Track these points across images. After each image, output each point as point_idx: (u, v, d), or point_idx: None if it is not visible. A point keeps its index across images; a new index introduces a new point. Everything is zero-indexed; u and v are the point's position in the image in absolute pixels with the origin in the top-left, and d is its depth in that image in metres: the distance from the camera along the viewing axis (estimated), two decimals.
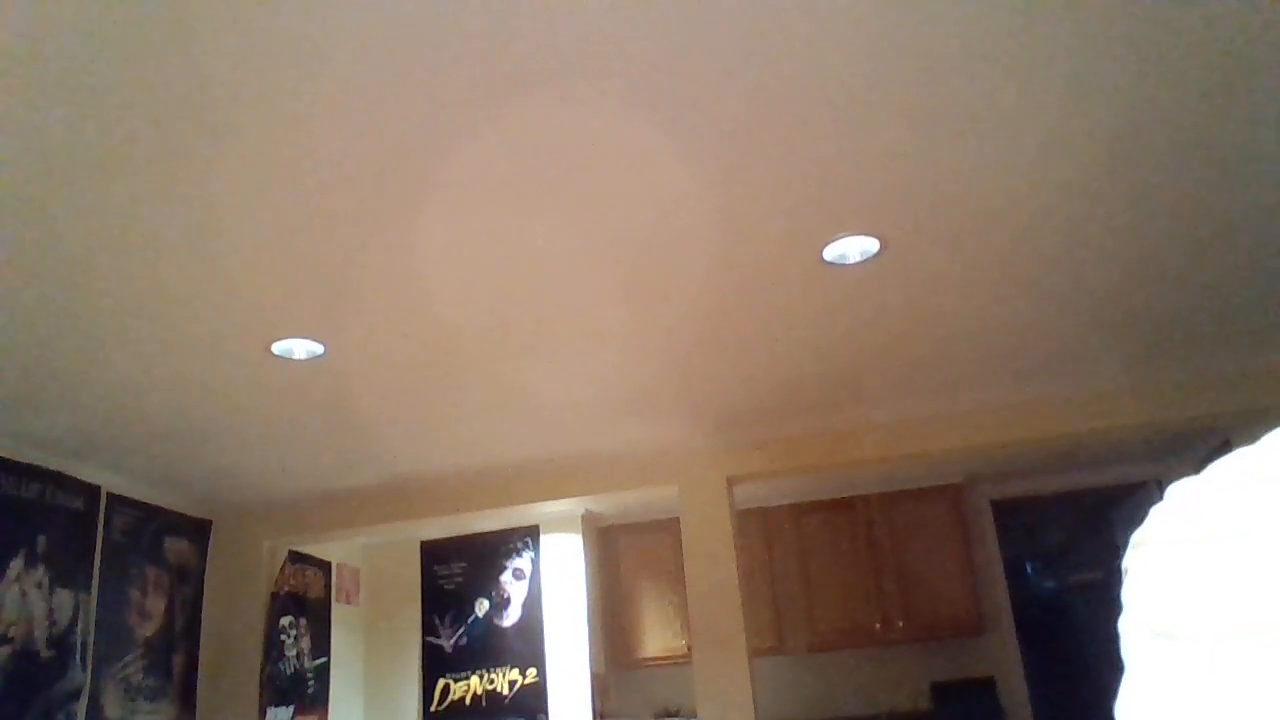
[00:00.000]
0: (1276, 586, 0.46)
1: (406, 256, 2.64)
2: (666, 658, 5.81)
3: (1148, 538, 0.53)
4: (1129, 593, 0.53)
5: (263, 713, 4.82)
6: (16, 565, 3.74)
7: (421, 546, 6.01)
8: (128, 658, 4.32)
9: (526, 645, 5.63)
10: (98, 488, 4.24)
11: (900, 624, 5.67)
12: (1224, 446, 5.25)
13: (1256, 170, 2.54)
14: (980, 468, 5.79)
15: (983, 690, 5.63)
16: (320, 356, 3.24)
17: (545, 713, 5.49)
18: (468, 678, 5.70)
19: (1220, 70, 2.10)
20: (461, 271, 2.76)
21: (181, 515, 4.83)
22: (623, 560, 6.05)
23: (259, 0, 1.69)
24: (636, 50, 1.90)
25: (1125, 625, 0.53)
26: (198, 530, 4.96)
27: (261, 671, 4.87)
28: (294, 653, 5.20)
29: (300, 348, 3.16)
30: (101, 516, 4.25)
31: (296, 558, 5.36)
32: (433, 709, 5.71)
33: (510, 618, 5.72)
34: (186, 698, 4.70)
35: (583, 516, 5.78)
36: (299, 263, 2.61)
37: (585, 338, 3.31)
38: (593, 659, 5.56)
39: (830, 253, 2.81)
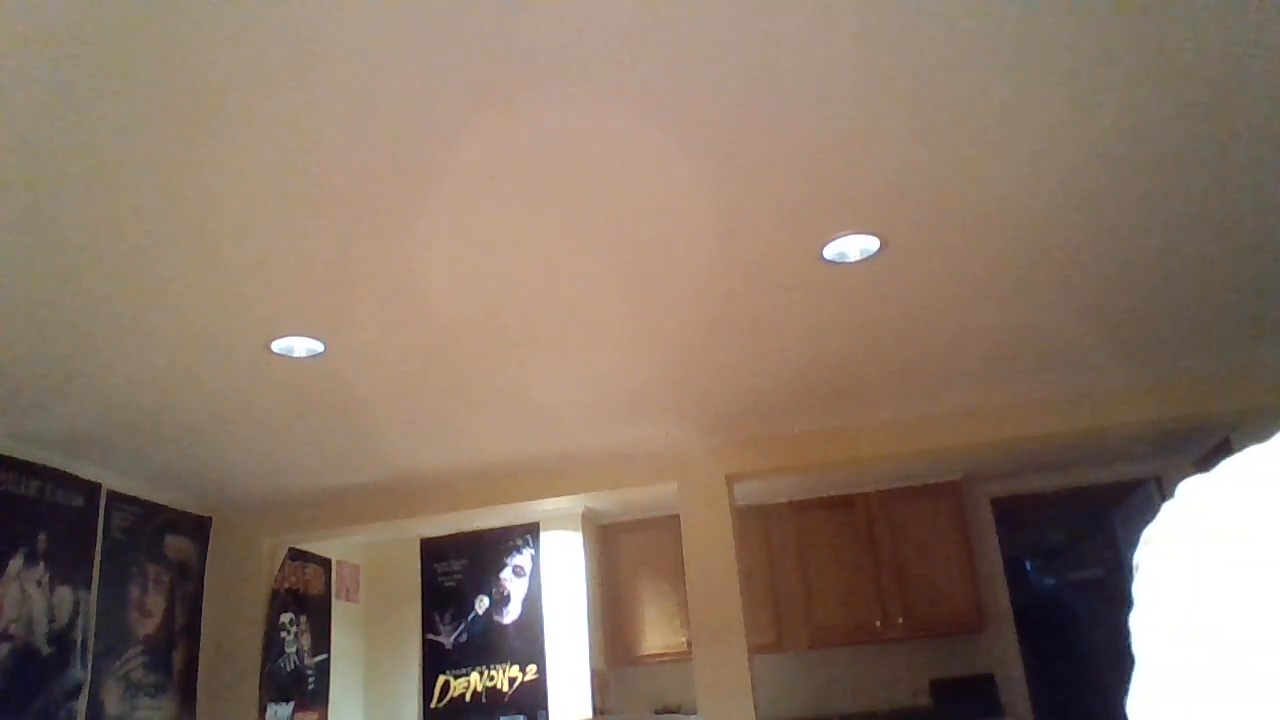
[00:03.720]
0: (1263, 587, 0.46)
1: (406, 255, 2.64)
2: (667, 654, 5.82)
3: (1160, 534, 0.53)
4: (1141, 588, 0.53)
5: (263, 710, 4.83)
6: (17, 562, 3.74)
7: (421, 544, 6.02)
8: (128, 654, 4.32)
9: (527, 642, 5.64)
10: (98, 485, 4.25)
11: (900, 621, 5.67)
12: (1224, 445, 5.25)
13: (1257, 170, 2.54)
14: (980, 465, 5.79)
15: (982, 687, 5.64)
16: (320, 354, 3.24)
17: (545, 709, 5.49)
18: (468, 674, 5.70)
19: (1221, 70, 2.10)
20: (461, 270, 2.76)
21: (181, 513, 4.83)
22: (622, 557, 6.06)
23: (259, 1, 1.68)
24: (636, 49, 1.89)
25: (1137, 621, 0.52)
26: (198, 527, 4.96)
27: (261, 668, 4.87)
28: (294, 650, 5.21)
29: (300, 345, 3.16)
30: (102, 514, 4.25)
31: (296, 555, 5.36)
32: (433, 706, 5.72)
33: (510, 615, 5.73)
34: (187, 694, 4.70)
35: (582, 514, 5.79)
36: (299, 261, 2.61)
37: (585, 336, 3.31)
38: (593, 655, 5.56)
39: (830, 251, 2.81)
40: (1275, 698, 0.43)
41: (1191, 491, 0.53)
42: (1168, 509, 0.54)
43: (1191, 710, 0.46)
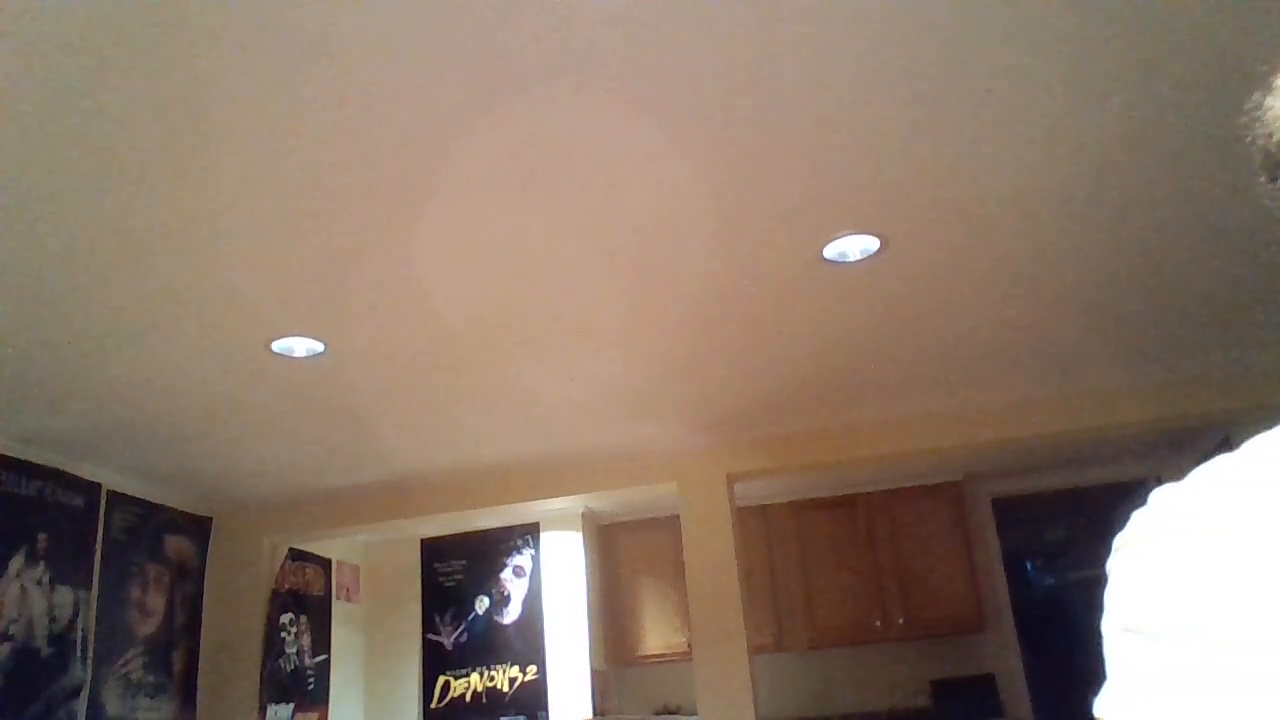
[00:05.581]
0: (1245, 584, 0.46)
1: (406, 255, 2.64)
2: (667, 654, 5.82)
3: (1133, 538, 0.54)
4: (1115, 592, 0.53)
5: (263, 710, 4.83)
6: (17, 562, 3.74)
7: (422, 544, 6.01)
8: (128, 655, 4.32)
9: (527, 642, 5.64)
10: (98, 485, 4.25)
11: (900, 621, 5.67)
12: (1224, 444, 5.25)
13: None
14: (980, 465, 5.79)
15: (982, 687, 5.64)
16: (320, 354, 3.24)
17: (545, 710, 5.49)
18: (468, 675, 5.70)
19: (1221, 69, 2.10)
20: (461, 270, 2.76)
21: (182, 513, 4.83)
22: (623, 557, 6.06)
23: (258, 0, 1.68)
24: (636, 50, 1.89)
25: (1110, 624, 0.53)
26: (198, 527, 4.96)
27: (262, 669, 4.87)
28: (294, 650, 5.21)
29: (300, 345, 3.16)
30: (102, 514, 4.25)
31: (297, 555, 5.36)
32: (433, 706, 5.72)
33: (510, 615, 5.73)
34: (187, 695, 4.70)
35: (583, 514, 5.78)
36: (299, 261, 2.61)
37: (585, 335, 3.31)
38: (593, 656, 5.56)
39: (830, 251, 2.81)
40: (1266, 696, 0.43)
41: (1166, 495, 0.53)
42: (1139, 515, 0.54)
43: (1177, 709, 0.46)
